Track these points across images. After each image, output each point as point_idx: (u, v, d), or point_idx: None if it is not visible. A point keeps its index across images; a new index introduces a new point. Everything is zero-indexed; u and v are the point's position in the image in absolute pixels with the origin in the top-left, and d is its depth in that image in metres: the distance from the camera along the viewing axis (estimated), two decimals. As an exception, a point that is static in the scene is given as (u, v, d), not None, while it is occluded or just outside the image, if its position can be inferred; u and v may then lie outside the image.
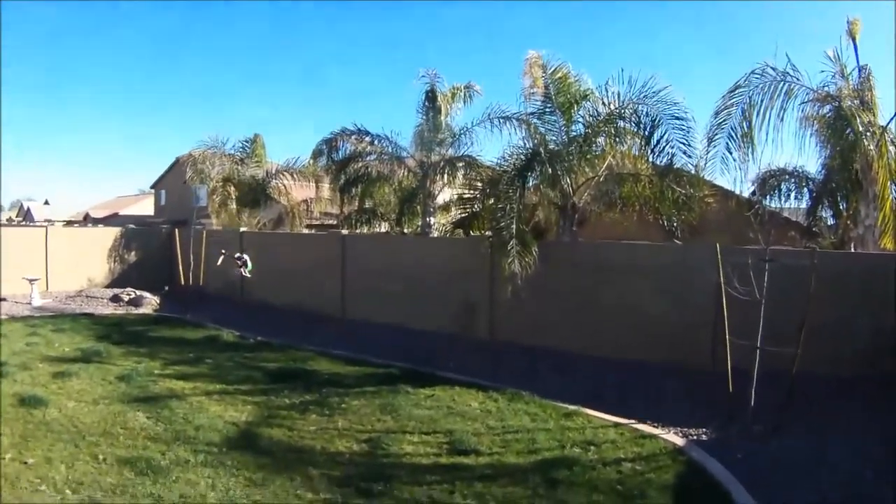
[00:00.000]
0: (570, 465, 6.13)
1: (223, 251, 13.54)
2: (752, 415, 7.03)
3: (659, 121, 11.17)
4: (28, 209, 59.57)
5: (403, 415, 7.83)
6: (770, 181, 12.05)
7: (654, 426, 7.39)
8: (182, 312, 16.26)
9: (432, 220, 16.71)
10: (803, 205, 12.61)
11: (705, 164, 10.61)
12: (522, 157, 11.93)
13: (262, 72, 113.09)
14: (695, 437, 7.03)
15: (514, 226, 10.56)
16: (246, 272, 12.54)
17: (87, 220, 46.86)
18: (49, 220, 42.24)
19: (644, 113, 11.35)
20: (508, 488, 5.67)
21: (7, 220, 56.26)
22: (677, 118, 11.04)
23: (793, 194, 12.20)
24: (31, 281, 16.35)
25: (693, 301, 9.64)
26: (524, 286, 10.50)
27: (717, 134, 10.29)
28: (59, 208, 56.37)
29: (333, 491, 5.60)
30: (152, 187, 44.95)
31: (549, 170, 11.35)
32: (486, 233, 11.59)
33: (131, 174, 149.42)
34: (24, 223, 41.48)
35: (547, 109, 12.44)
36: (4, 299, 16.14)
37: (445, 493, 5.56)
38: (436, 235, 16.46)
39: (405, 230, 18.22)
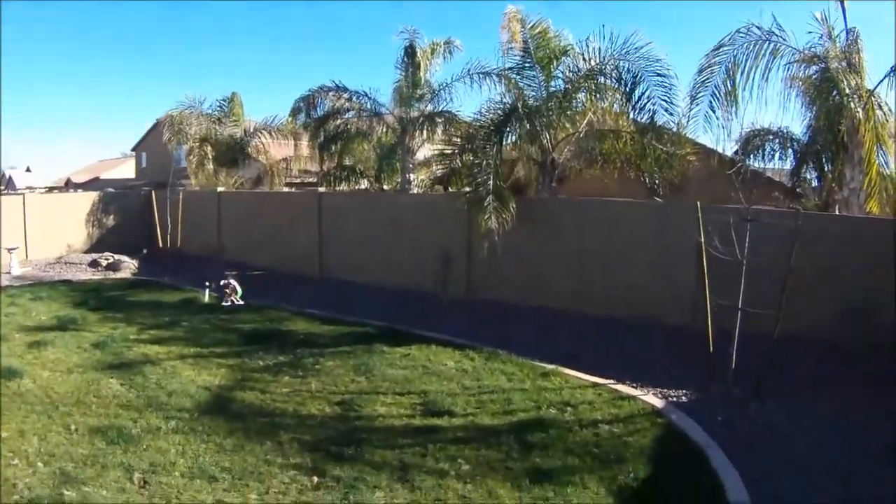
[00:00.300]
0: (546, 427, 6.14)
1: (207, 283, 13.30)
2: (733, 377, 7.00)
3: (640, 77, 11.04)
4: (10, 177, 58.41)
5: (378, 375, 7.87)
6: (754, 140, 11.99)
7: (632, 387, 7.39)
8: (160, 275, 16.17)
9: (412, 176, 16.60)
10: (787, 166, 12.60)
11: (688, 122, 10.57)
12: (500, 112, 11.76)
13: (240, 27, 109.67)
14: (674, 399, 7.03)
15: (490, 182, 10.46)
16: (237, 299, 12.27)
17: (68, 185, 46.08)
18: (31, 188, 41.53)
19: (625, 69, 11.22)
20: (482, 451, 5.68)
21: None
22: (659, 75, 10.93)
23: (776, 155, 12.17)
24: (10, 250, 16.13)
25: (674, 259, 9.63)
26: (502, 243, 10.43)
27: (700, 92, 10.20)
28: (40, 175, 55.39)
29: (304, 455, 5.62)
30: (133, 150, 44.22)
31: (528, 125, 11.22)
32: (464, 189, 11.47)
33: (113, 138, 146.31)
34: (5, 191, 40.75)
35: (526, 64, 12.27)
36: (-18, 269, 15.97)
37: (417, 457, 5.58)
38: (415, 192, 16.34)
39: (385, 187, 18.16)
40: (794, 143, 12.16)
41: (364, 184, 19.17)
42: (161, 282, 15.50)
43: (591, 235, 10.85)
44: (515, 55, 12.57)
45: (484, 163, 10.76)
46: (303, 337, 9.91)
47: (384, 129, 17.00)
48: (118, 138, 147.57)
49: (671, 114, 11.03)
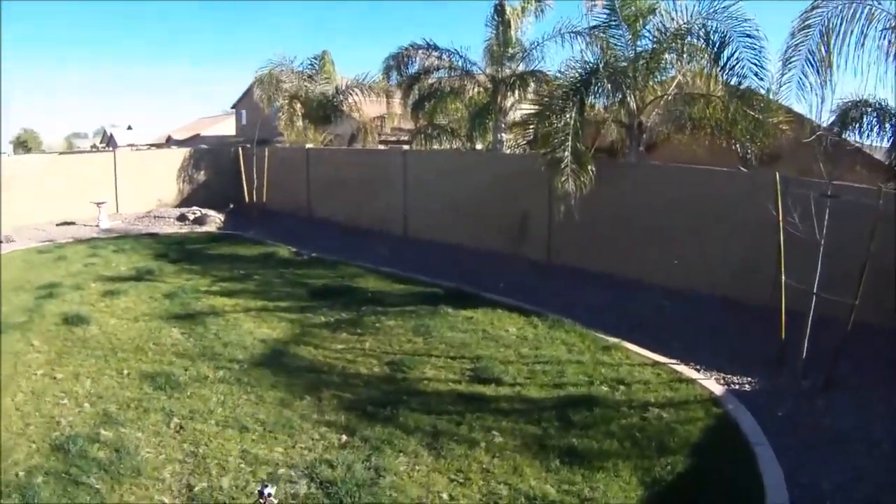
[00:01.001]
0: (593, 405, 5.83)
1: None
2: (802, 367, 6.36)
3: (729, 38, 10.41)
4: (111, 135, 62.78)
5: (436, 337, 7.77)
6: (851, 112, 10.81)
7: (695, 369, 6.89)
8: (245, 230, 16.86)
9: (504, 136, 16.45)
10: (885, 143, 11.29)
11: (779, 88, 9.64)
12: (582, 71, 11.31)
13: None
14: (736, 387, 6.46)
15: (568, 143, 10.10)
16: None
17: (169, 142, 48.95)
18: (132, 145, 44.47)
19: (713, 29, 10.60)
20: (520, 424, 5.48)
21: (91, 146, 59.76)
22: (748, 36, 10.25)
23: (874, 129, 10.92)
24: (98, 204, 17.33)
25: (758, 234, 8.89)
26: (580, 207, 10.11)
27: (792, 56, 9.19)
28: (142, 133, 58.86)
29: (339, 414, 5.63)
30: (233, 107, 46.14)
31: (610, 86, 10.85)
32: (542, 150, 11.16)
33: (216, 95, 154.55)
34: (107, 149, 43.87)
35: (612, 22, 11.73)
36: (74, 223, 17.22)
37: (452, 424, 5.45)
38: (507, 152, 16.10)
39: (477, 146, 18.11)
40: (893, 118, 10.86)
41: (456, 143, 19.16)
42: (244, 236, 16.17)
43: (673, 204, 10.33)
44: (601, 13, 12.10)
45: (562, 123, 10.39)
46: (371, 294, 9.98)
47: (476, 89, 16.92)
48: (221, 95, 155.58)
49: (761, 78, 10.39)
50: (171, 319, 8.59)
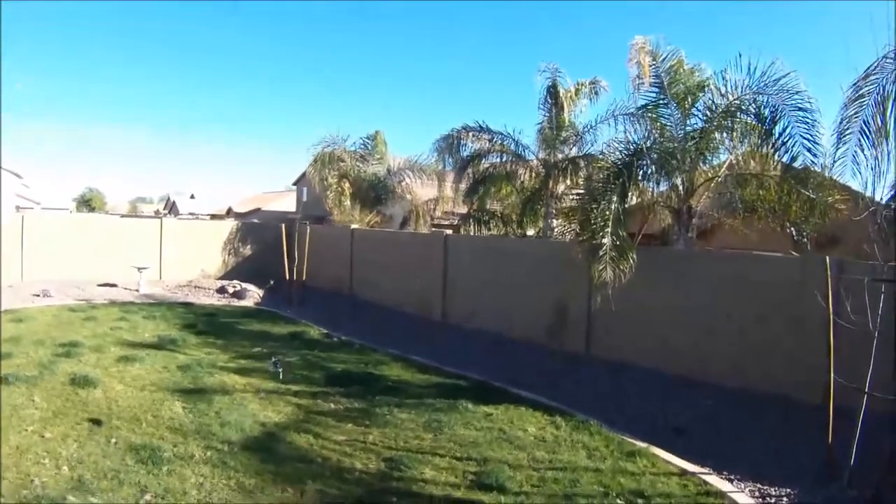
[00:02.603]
0: None
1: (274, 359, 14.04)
2: (850, 476, 5.82)
3: (781, 112, 10.33)
4: (174, 202, 66.25)
5: (446, 434, 7.46)
6: None
7: (727, 479, 6.34)
8: (282, 307, 17.09)
9: (554, 222, 16.44)
10: None
11: (833, 163, 9.34)
12: (625, 153, 11.31)
13: (383, 67, 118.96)
14: (772, 500, 5.90)
15: (608, 229, 10.00)
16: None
17: (229, 213, 51.15)
18: (193, 214, 46.62)
19: (764, 104, 10.56)
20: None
21: (154, 212, 62.79)
22: (800, 110, 10.15)
23: None
24: (139, 269, 18.04)
25: (809, 324, 8.50)
26: (621, 296, 9.98)
27: (847, 129, 8.95)
28: (204, 202, 61.80)
29: (318, 509, 5.39)
30: (294, 184, 48.06)
31: (654, 168, 10.85)
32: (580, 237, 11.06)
33: (280, 171, 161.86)
34: (168, 215, 45.96)
35: (661, 101, 11.88)
36: (115, 285, 17.86)
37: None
38: (551, 239, 16.06)
39: (528, 232, 18.15)
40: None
41: (507, 229, 19.26)
42: (279, 313, 16.33)
43: (719, 293, 10.09)
44: (650, 92, 12.28)
45: (602, 207, 10.32)
46: (390, 383, 9.78)
47: (527, 173, 17.15)
48: (286, 171, 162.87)
49: (814, 154, 10.19)
50: (177, 392, 8.59)
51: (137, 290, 17.63)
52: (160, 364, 10.03)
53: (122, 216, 33.66)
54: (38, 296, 15.75)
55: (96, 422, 7.20)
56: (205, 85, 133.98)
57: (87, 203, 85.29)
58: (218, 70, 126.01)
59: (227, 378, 9.57)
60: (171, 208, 63.33)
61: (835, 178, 9.90)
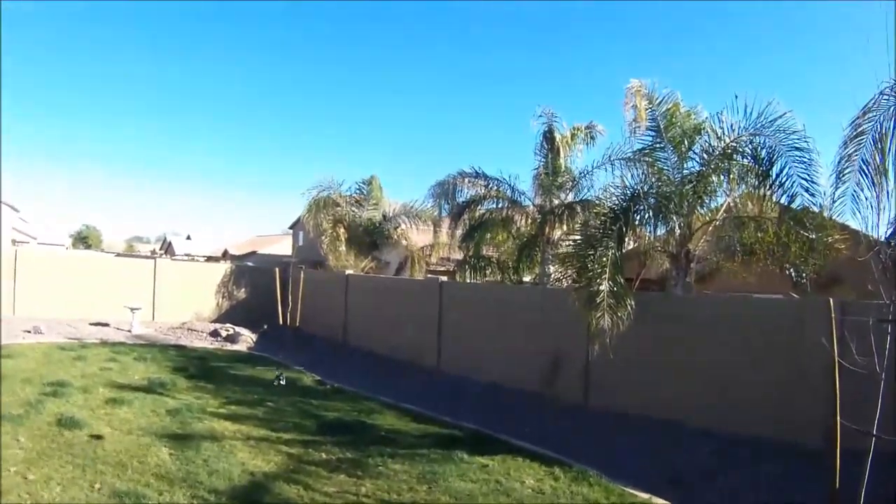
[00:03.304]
0: None
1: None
2: None
3: (777, 152, 10.35)
4: (170, 243, 66.39)
5: (440, 486, 7.29)
6: None
7: None
8: (274, 352, 16.91)
9: (551, 268, 16.38)
10: None
11: (832, 203, 9.36)
12: (620, 198, 11.34)
13: (380, 112, 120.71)
14: None
15: (605, 275, 9.93)
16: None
17: (225, 256, 51.08)
18: (189, 255, 46.61)
19: (761, 145, 10.61)
20: None
21: (151, 252, 62.81)
22: (797, 149, 10.18)
23: None
24: (132, 310, 17.95)
25: (808, 368, 8.48)
26: (619, 343, 9.83)
27: (846, 168, 8.99)
28: (200, 244, 61.90)
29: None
30: (291, 227, 48.21)
31: (652, 213, 10.84)
32: (574, 283, 11.03)
33: (276, 214, 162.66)
34: (164, 255, 45.95)
35: (657, 145, 11.90)
36: (108, 324, 17.73)
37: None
38: (548, 286, 16.00)
39: (524, 278, 18.07)
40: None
41: (502, 275, 19.19)
42: (271, 358, 16.21)
43: (718, 338, 10.01)
44: (646, 136, 12.35)
45: (597, 254, 10.28)
46: (383, 433, 9.62)
47: (523, 219, 17.17)
48: (281, 215, 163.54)
49: (812, 194, 10.15)
50: (165, 438, 8.41)
51: (130, 331, 17.52)
52: (149, 408, 9.87)
53: (118, 255, 33.68)
54: (29, 332, 15.63)
55: (81, 465, 7.04)
56: (203, 128, 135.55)
57: (83, 240, 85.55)
58: (215, 113, 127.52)
59: (216, 424, 9.41)
60: (168, 249, 63.44)
61: (834, 217, 9.89)
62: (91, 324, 17.83)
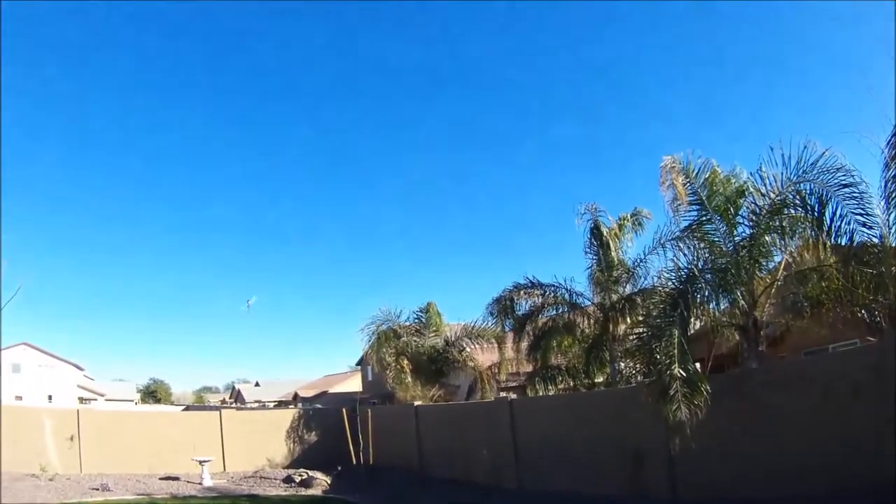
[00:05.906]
0: None
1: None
2: None
3: (826, 195, 10.02)
4: (239, 391, 67.33)
5: None
6: None
7: None
8: (350, 493, 16.65)
9: (621, 364, 15.95)
10: None
11: (890, 229, 8.95)
12: (676, 281, 11.15)
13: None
14: None
15: (675, 364, 9.56)
16: None
17: (296, 399, 51.47)
18: (259, 402, 47.07)
19: (808, 191, 10.35)
20: None
21: (220, 401, 63.79)
22: (846, 186, 9.79)
23: None
24: (201, 462, 18.03)
25: None
26: (702, 430, 9.45)
27: (893, 191, 8.68)
28: (269, 388, 62.62)
29: None
30: (358, 364, 48.49)
31: (710, 289, 10.61)
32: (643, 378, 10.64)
33: (342, 350, 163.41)
34: (234, 405, 46.57)
35: (703, 219, 11.72)
36: (178, 478, 17.85)
37: None
38: (620, 387, 15.54)
39: (595, 381, 17.66)
40: None
41: (574, 381, 18.76)
42: (347, 500, 15.89)
43: (804, 400, 9.34)
44: (690, 211, 12.09)
45: (664, 344, 9.95)
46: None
47: (585, 320, 17.00)
48: (347, 352, 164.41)
49: (870, 227, 9.60)
50: None
51: (200, 483, 17.52)
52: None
53: (185, 408, 34.36)
54: (97, 489, 15.74)
55: None
56: (259, 270, 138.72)
57: (152, 394, 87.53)
58: (270, 255, 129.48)
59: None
60: (237, 397, 64.31)
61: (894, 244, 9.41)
62: (160, 478, 17.91)
